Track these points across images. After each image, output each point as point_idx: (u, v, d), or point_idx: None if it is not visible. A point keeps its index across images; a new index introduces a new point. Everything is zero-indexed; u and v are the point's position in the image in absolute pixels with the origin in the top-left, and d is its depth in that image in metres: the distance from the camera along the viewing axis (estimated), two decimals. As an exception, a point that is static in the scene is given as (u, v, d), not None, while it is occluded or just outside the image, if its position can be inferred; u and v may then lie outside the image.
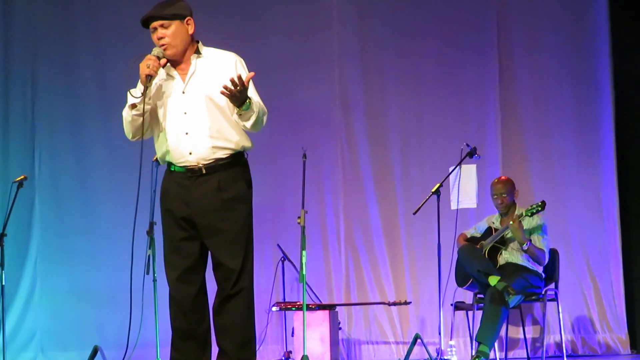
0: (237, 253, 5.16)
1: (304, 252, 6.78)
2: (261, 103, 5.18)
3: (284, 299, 8.62)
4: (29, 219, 9.43)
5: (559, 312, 7.88)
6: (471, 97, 9.23)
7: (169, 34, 5.10)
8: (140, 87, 5.09)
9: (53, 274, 9.39)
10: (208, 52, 5.25)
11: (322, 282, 9.12)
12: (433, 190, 7.65)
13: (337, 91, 9.37)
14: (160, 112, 5.19)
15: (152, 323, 6.42)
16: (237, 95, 4.89)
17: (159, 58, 5.08)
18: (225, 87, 4.87)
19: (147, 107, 5.10)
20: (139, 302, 6.23)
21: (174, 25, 5.11)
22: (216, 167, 5.12)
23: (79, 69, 9.59)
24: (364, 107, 9.36)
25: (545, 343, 8.07)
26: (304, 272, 6.75)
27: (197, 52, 5.22)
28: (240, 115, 5.03)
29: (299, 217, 6.82)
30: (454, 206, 7.92)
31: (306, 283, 6.96)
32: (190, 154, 5.10)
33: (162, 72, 5.23)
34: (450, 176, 7.89)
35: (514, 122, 9.12)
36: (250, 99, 4.98)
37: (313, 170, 8.79)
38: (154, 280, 6.31)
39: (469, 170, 7.92)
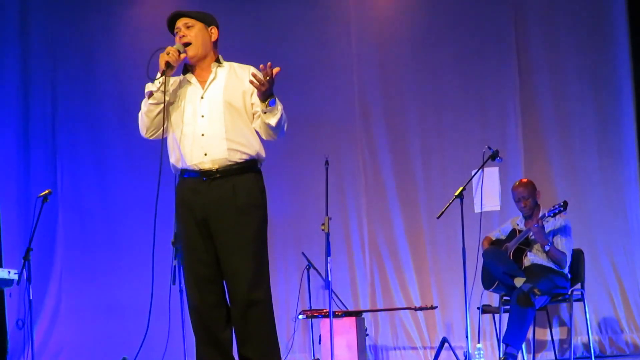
0: (249, 259, 5.11)
1: (329, 259, 6.80)
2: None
3: (310, 306, 8.63)
4: (53, 234, 9.49)
5: (585, 313, 7.85)
6: (491, 101, 9.22)
7: (192, 34, 5.19)
8: (159, 79, 5.14)
9: (78, 288, 9.44)
10: (229, 64, 5.31)
11: (348, 289, 9.13)
12: (456, 193, 7.62)
13: (356, 98, 9.40)
14: (177, 118, 5.19)
15: (179, 333, 6.45)
16: (266, 85, 4.93)
17: (179, 52, 5.12)
18: (255, 75, 4.92)
19: (166, 98, 5.13)
20: (166, 313, 6.25)
21: (198, 27, 5.22)
22: (231, 170, 5.10)
23: (98, 83, 9.66)
24: (384, 113, 9.37)
25: (572, 344, 8.04)
26: (329, 279, 6.77)
27: (218, 61, 5.27)
28: (265, 112, 5.06)
29: (322, 224, 6.83)
30: (477, 209, 7.90)
31: (332, 290, 6.96)
32: (205, 155, 5.09)
33: (181, 79, 5.27)
34: (473, 179, 7.88)
35: (535, 124, 9.10)
36: (275, 96, 5.03)
37: (335, 178, 8.81)
38: (181, 291, 6.33)
39: (492, 173, 7.90)
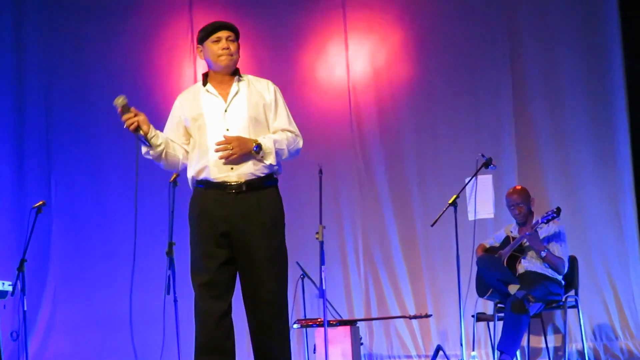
0: (274, 273, 5.28)
1: (323, 268, 6.80)
2: (290, 134, 5.40)
3: (305, 316, 8.62)
4: (47, 245, 9.48)
5: (580, 320, 7.85)
6: (485, 109, 9.23)
7: (233, 48, 5.31)
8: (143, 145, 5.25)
9: (73, 299, 9.44)
10: (247, 77, 5.43)
11: (342, 298, 9.13)
12: (450, 201, 7.63)
13: (351, 107, 9.40)
14: (202, 131, 5.28)
15: (174, 343, 6.44)
16: (235, 153, 5.13)
17: (123, 108, 5.12)
18: (219, 148, 5.14)
19: (159, 149, 5.25)
20: (160, 324, 6.25)
21: (237, 43, 5.35)
22: (256, 184, 5.23)
23: (93, 95, 9.67)
24: (378, 121, 9.39)
25: (567, 351, 8.04)
26: (324, 288, 6.77)
27: (239, 74, 5.39)
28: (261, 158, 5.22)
29: (317, 233, 6.83)
30: (471, 217, 7.90)
31: (326, 299, 6.96)
32: (232, 169, 5.19)
33: (202, 90, 5.36)
34: (467, 187, 7.88)
35: (528, 132, 9.11)
36: (259, 143, 5.18)
37: (329, 187, 8.82)
38: (175, 301, 6.33)
39: (485, 181, 7.91)
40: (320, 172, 7.39)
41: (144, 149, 5.23)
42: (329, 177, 8.53)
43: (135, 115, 5.10)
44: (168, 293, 6.13)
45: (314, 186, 7.44)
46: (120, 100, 5.10)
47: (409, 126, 9.36)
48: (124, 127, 5.09)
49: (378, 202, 9.29)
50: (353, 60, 9.50)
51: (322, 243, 6.89)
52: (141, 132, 5.11)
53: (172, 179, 6.57)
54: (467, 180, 7.89)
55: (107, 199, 9.55)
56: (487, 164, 7.74)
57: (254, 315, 5.25)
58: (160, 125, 5.29)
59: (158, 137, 5.22)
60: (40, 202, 7.90)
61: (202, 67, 9.55)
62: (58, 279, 9.51)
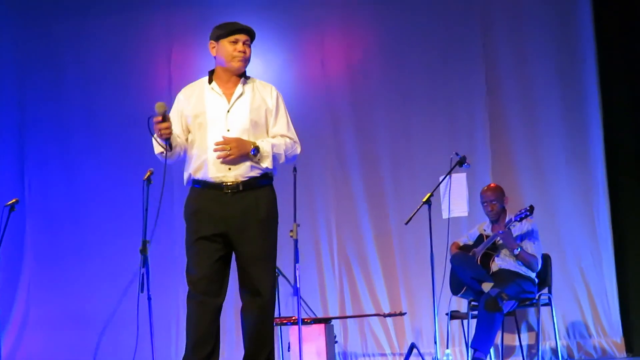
0: (268, 270, 5.39)
1: (297, 266, 6.81)
2: (289, 140, 5.51)
3: (279, 314, 8.61)
4: (21, 243, 9.43)
5: (553, 317, 7.89)
6: (459, 108, 9.25)
7: (248, 52, 5.43)
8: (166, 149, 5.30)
9: (46, 298, 9.39)
10: (253, 81, 5.53)
11: (317, 296, 9.13)
12: (424, 200, 7.64)
13: (325, 105, 9.40)
14: (203, 129, 5.36)
15: (148, 340, 6.42)
16: (233, 154, 5.22)
17: (163, 117, 5.18)
18: (218, 148, 5.23)
19: (173, 151, 5.32)
20: (134, 322, 6.23)
21: (251, 48, 5.46)
22: (252, 184, 5.32)
23: (67, 92, 9.64)
24: (353, 120, 9.39)
25: (540, 349, 8.06)
26: (298, 286, 6.77)
27: (245, 76, 5.48)
28: (258, 161, 5.32)
29: (291, 231, 6.84)
30: (445, 215, 7.93)
31: (301, 297, 6.96)
32: (230, 169, 5.28)
33: (206, 87, 5.42)
34: (441, 185, 7.90)
35: (502, 130, 9.13)
36: (257, 146, 5.27)
37: (304, 185, 8.80)
38: (149, 299, 6.32)
39: (459, 179, 7.94)
40: (295, 170, 7.39)
41: (159, 150, 5.31)
42: (304, 177, 8.51)
43: (168, 127, 5.19)
44: (142, 291, 6.10)
45: (288, 184, 7.45)
46: (162, 109, 5.17)
47: (384, 124, 9.36)
48: (158, 132, 5.18)
49: (352, 201, 9.30)
50: (328, 59, 9.50)
51: (296, 241, 6.89)
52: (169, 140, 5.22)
53: (145, 176, 6.54)
54: (441, 179, 7.91)
55: (82, 197, 9.51)
56: (461, 162, 7.76)
57: (252, 309, 5.36)
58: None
59: (175, 140, 5.31)
60: (14, 200, 7.86)
61: (178, 67, 9.52)
62: (31, 277, 9.47)
